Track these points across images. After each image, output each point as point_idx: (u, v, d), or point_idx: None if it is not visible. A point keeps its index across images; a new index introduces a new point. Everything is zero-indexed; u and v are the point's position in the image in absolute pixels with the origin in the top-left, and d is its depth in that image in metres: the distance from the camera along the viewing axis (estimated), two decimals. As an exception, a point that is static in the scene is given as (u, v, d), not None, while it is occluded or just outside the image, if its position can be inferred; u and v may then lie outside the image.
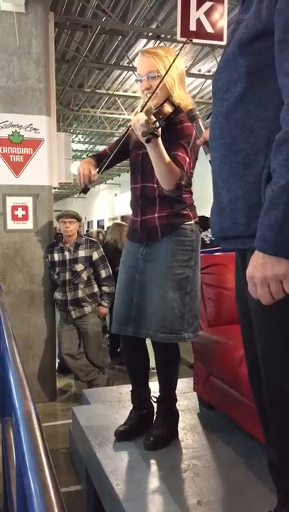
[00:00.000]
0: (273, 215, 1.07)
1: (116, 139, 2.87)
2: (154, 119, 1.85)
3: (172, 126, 2.06)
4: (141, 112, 1.92)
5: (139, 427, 2.25)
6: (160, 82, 1.94)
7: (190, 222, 2.14)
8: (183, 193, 2.13)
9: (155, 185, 2.11)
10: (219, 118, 1.29)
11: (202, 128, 1.73)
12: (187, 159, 2.04)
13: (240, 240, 1.25)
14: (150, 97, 1.93)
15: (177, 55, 2.03)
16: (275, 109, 1.14)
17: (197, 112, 1.81)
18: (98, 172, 2.21)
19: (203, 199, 2.83)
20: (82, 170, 2.19)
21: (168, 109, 2.00)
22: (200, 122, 1.77)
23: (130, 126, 2.01)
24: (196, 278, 2.15)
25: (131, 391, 2.33)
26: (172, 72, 2.04)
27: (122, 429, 2.24)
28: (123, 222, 6.19)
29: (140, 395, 2.30)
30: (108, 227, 5.99)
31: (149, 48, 2.23)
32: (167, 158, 1.95)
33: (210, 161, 1.40)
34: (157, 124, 1.83)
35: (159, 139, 1.88)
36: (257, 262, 1.11)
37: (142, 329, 2.12)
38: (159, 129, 1.84)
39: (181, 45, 2.15)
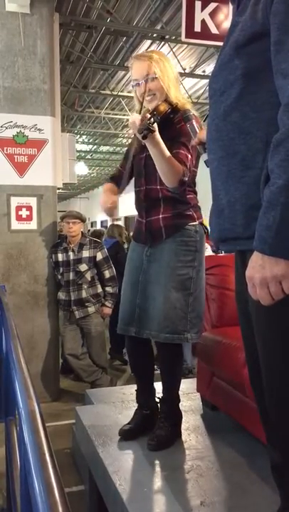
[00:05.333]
0: (271, 216, 1.07)
1: (120, 139, 2.88)
2: (149, 115, 1.86)
3: (172, 126, 2.07)
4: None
5: (143, 427, 2.25)
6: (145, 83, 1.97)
7: (194, 223, 2.14)
8: (187, 193, 2.13)
9: (158, 187, 2.12)
10: (216, 120, 1.29)
11: (196, 129, 1.74)
12: (189, 156, 2.04)
13: (239, 241, 1.26)
14: (142, 99, 1.98)
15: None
16: (271, 111, 1.14)
17: (191, 113, 1.82)
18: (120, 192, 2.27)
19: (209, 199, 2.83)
20: (105, 205, 2.22)
21: (164, 106, 2.02)
22: (194, 123, 1.78)
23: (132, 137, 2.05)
24: (200, 279, 2.14)
25: (136, 390, 2.34)
26: (168, 74, 2.08)
27: (127, 428, 2.24)
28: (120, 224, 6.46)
29: (145, 394, 2.31)
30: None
31: (142, 52, 2.26)
32: (168, 153, 1.96)
33: (205, 162, 1.40)
34: (152, 119, 1.84)
35: (158, 136, 1.89)
36: (256, 263, 1.11)
37: (144, 329, 2.12)
38: (155, 125, 1.85)
39: (184, 46, 2.19)
